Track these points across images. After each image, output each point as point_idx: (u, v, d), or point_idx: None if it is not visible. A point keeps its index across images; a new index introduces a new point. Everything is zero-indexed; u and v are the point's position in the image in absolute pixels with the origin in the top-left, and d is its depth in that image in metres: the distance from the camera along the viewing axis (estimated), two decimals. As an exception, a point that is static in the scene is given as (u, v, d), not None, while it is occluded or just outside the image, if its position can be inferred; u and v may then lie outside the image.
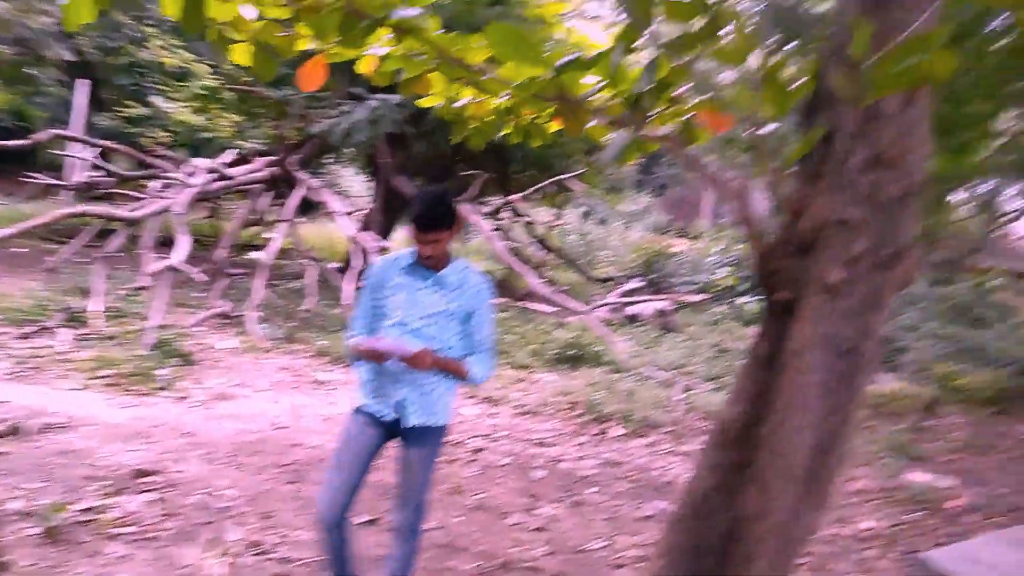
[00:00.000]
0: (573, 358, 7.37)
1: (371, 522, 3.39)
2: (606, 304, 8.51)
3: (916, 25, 2.00)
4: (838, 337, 2.15)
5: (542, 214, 12.96)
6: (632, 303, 9.08)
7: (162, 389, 4.92)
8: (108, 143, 9.92)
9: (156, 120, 12.27)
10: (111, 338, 5.87)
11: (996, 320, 10.77)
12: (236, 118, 11.63)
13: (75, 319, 6.16)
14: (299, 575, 2.90)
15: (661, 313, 9.37)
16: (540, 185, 10.07)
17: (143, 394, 4.82)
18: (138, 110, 12.30)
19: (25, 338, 5.61)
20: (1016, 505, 5.13)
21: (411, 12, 2.18)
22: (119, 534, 3.00)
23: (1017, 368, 8.82)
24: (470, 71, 2.39)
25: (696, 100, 2.52)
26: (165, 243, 9.40)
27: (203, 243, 11.84)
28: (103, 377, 5.00)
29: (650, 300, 8.87)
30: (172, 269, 5.97)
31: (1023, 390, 8.65)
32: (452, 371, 2.36)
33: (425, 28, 2.25)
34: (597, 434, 5.33)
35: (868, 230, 2.12)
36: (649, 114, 2.35)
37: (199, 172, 7.03)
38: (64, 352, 5.41)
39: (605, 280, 11.42)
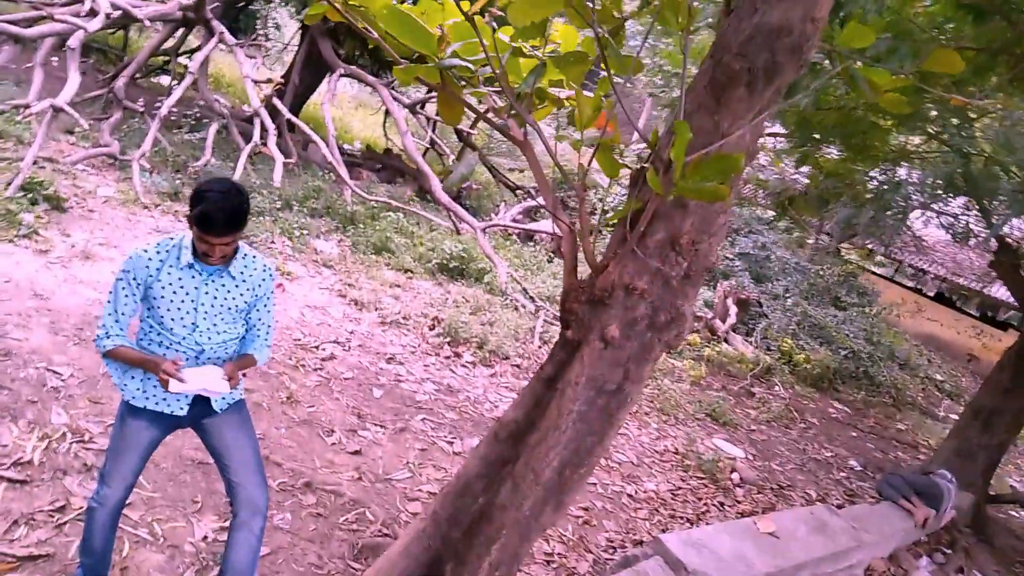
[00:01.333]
0: (455, 271, 7.66)
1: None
2: (500, 224, 8.75)
3: (732, 137, 2.27)
4: (604, 379, 2.51)
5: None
6: (530, 221, 9.36)
7: (23, 237, 4.85)
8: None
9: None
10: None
11: (853, 305, 11.71)
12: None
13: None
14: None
15: (556, 235, 9.73)
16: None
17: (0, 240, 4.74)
18: None
19: None
20: (787, 483, 5.98)
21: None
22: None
23: (848, 354, 9.78)
24: (364, 31, 2.44)
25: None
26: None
27: (109, 58, 11.09)
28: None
29: (541, 230, 9.18)
30: (56, 109, 5.68)
31: (846, 374, 9.68)
32: (247, 367, 2.34)
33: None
34: (448, 357, 5.72)
35: (650, 299, 2.44)
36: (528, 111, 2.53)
37: (100, 8, 6.52)
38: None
39: (516, 188, 11.59)
